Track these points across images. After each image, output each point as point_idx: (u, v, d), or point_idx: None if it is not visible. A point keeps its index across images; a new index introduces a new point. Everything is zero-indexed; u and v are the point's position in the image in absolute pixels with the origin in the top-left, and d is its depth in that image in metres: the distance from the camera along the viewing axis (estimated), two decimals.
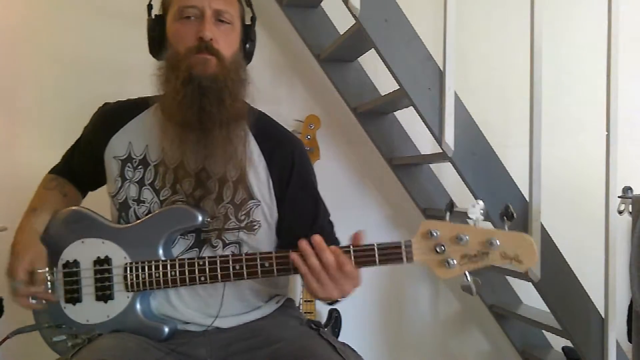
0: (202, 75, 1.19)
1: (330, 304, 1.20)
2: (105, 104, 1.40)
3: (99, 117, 1.38)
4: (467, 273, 1.07)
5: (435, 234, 1.07)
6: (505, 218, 1.05)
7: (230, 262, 1.17)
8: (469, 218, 1.06)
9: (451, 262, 1.06)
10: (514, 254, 1.04)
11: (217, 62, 1.21)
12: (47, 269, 1.26)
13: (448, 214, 1.08)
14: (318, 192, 1.37)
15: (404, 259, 1.08)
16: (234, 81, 1.23)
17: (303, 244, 1.10)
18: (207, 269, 1.18)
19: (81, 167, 1.41)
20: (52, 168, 1.46)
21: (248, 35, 1.32)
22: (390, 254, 1.09)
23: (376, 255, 1.09)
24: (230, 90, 1.22)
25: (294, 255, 1.11)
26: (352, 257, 1.11)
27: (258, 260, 1.16)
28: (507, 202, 1.06)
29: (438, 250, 1.07)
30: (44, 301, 1.26)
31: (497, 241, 1.04)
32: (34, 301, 1.26)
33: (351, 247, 1.10)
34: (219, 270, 1.17)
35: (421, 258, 1.08)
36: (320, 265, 1.09)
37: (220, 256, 1.18)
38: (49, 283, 1.26)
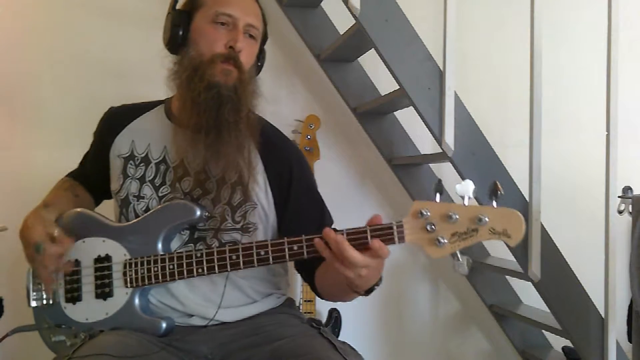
0: (224, 84, 1.23)
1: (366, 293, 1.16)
2: (111, 107, 1.44)
3: (104, 120, 1.43)
4: (458, 252, 1.06)
5: (425, 213, 1.06)
6: (493, 196, 1.05)
7: (227, 252, 1.17)
8: (460, 197, 1.06)
9: (442, 240, 1.05)
10: (502, 229, 1.04)
11: (238, 74, 1.26)
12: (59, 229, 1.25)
13: (438, 194, 1.08)
14: (321, 197, 1.38)
15: (396, 239, 1.08)
16: (249, 93, 1.28)
17: (330, 233, 1.07)
18: (204, 260, 1.19)
19: (93, 171, 1.45)
20: (68, 172, 1.50)
21: (262, 52, 1.38)
22: (383, 235, 1.08)
23: (369, 238, 1.09)
24: (245, 101, 1.26)
25: (319, 242, 1.08)
26: None
27: (254, 249, 1.16)
28: (494, 180, 1.06)
29: (428, 229, 1.06)
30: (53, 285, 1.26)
31: (486, 218, 1.04)
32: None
33: (344, 231, 1.09)
34: (215, 261, 1.18)
35: (412, 238, 1.07)
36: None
37: (217, 247, 1.19)
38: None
